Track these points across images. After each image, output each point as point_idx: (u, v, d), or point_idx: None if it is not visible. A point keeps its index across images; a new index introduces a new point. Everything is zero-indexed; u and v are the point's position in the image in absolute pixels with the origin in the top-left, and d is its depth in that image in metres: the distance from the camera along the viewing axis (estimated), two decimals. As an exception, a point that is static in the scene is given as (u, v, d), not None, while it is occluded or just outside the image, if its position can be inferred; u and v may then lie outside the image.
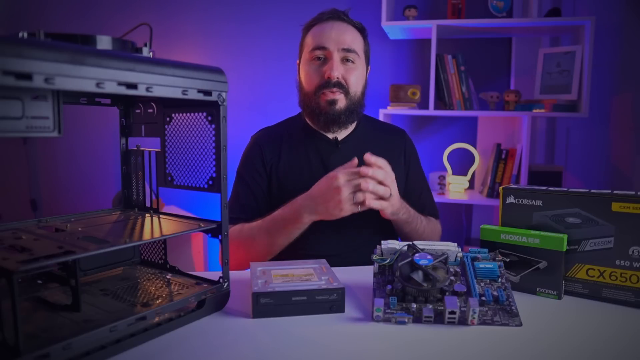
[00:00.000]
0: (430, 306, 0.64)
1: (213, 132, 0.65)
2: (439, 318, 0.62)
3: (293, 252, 1.01)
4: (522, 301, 0.69)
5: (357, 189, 0.89)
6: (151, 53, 0.59)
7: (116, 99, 0.75)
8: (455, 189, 2.15)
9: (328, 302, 0.65)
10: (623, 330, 0.61)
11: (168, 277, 0.70)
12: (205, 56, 2.52)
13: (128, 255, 0.76)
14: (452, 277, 0.68)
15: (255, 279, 0.68)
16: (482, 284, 0.68)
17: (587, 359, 0.54)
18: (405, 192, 1.15)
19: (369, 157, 0.91)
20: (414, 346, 0.56)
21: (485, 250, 0.74)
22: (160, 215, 0.72)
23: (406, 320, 0.62)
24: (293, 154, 1.14)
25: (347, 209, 0.90)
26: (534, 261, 0.74)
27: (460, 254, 0.72)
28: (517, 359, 0.54)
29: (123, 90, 0.49)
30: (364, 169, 0.89)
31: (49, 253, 0.47)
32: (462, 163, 2.21)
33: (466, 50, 2.16)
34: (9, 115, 0.45)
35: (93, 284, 0.65)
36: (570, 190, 0.74)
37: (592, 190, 0.73)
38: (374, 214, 0.98)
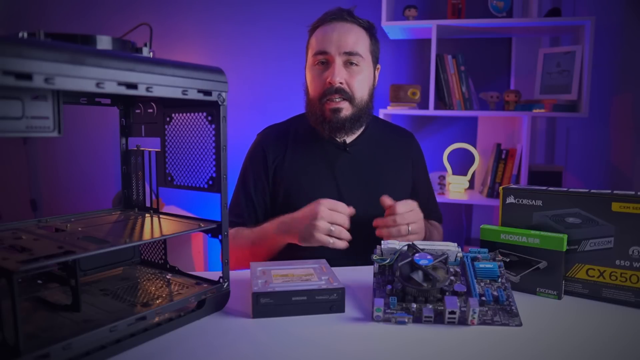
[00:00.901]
0: (430, 306, 0.64)
1: (213, 132, 0.65)
2: (439, 318, 0.62)
3: (295, 252, 1.01)
4: (522, 301, 0.69)
5: (336, 222, 0.89)
6: (151, 53, 0.59)
7: (116, 99, 0.75)
8: (455, 189, 2.15)
9: (328, 302, 0.65)
10: (623, 330, 0.61)
11: (168, 277, 0.70)
12: (205, 56, 2.52)
13: (128, 255, 0.76)
14: (452, 277, 0.68)
15: (255, 279, 0.68)
16: (482, 284, 0.68)
17: (587, 359, 0.54)
18: (411, 197, 1.15)
19: (391, 203, 0.92)
20: (414, 346, 0.56)
21: (485, 250, 0.74)
22: (160, 215, 0.72)
23: (406, 320, 0.62)
24: (299, 155, 1.13)
25: (320, 238, 0.88)
26: (534, 261, 0.74)
27: (460, 254, 0.72)
28: (517, 359, 0.54)
29: (123, 90, 0.49)
30: (398, 219, 0.90)
31: (49, 253, 0.47)
32: (462, 163, 2.21)
33: (466, 50, 2.16)
34: (9, 115, 0.45)
35: (93, 284, 0.65)
36: (570, 190, 0.74)
37: (592, 190, 0.73)
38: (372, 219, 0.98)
